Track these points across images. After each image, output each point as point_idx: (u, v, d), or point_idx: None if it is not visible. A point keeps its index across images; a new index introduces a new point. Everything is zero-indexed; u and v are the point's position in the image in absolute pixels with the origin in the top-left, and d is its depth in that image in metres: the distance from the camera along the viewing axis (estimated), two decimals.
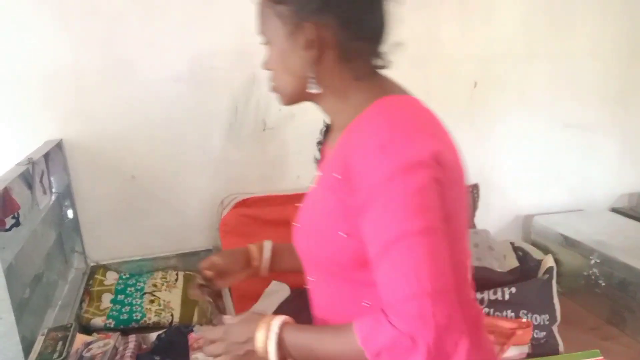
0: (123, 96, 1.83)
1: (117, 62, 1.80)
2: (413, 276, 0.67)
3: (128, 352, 1.30)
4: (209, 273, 1.04)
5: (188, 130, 1.92)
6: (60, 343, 1.25)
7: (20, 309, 1.22)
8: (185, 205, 1.98)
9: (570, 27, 2.26)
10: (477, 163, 2.27)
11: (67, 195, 1.83)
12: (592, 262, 2.03)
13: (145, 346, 1.40)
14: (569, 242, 2.15)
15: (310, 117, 0.99)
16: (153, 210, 1.95)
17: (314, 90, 0.81)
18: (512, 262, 1.94)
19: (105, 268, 1.81)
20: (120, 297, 1.67)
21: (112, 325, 1.55)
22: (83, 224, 1.89)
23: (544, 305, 1.76)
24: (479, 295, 1.73)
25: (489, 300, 1.73)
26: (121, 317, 1.57)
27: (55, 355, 1.20)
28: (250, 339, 0.80)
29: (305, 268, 0.92)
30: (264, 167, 2.04)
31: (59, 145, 1.76)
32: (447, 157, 0.74)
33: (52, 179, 1.70)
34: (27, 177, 1.40)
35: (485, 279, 1.80)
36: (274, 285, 1.76)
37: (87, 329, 1.52)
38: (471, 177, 2.26)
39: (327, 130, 0.93)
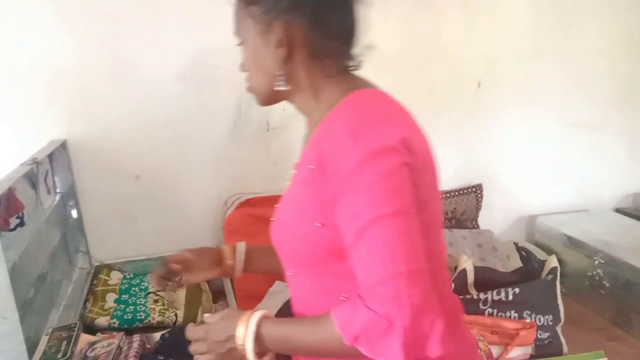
0: (127, 96, 1.84)
1: (120, 61, 1.81)
2: (387, 258, 0.68)
3: (132, 352, 1.30)
4: (176, 267, 1.05)
5: (192, 130, 1.92)
6: (64, 343, 1.25)
7: (25, 308, 1.23)
8: (189, 205, 1.99)
9: (576, 25, 2.25)
10: (481, 163, 2.27)
11: (71, 195, 1.83)
12: (597, 262, 2.02)
13: (149, 346, 1.40)
14: (573, 243, 2.14)
15: None
16: (157, 210, 1.95)
17: (281, 87, 0.83)
18: (516, 263, 1.94)
19: (110, 268, 1.81)
20: (124, 296, 1.68)
21: (116, 325, 1.55)
22: (87, 224, 1.89)
23: (548, 305, 1.76)
24: (482, 296, 1.72)
25: (493, 300, 1.72)
26: (125, 317, 1.58)
27: (60, 355, 1.20)
28: (231, 337, 0.80)
29: (284, 263, 0.92)
30: (268, 167, 2.04)
31: (63, 145, 1.76)
32: (416, 144, 0.76)
33: (56, 178, 1.71)
34: (32, 177, 1.40)
35: (488, 280, 1.80)
36: (278, 285, 1.76)
37: (91, 329, 1.52)
38: (475, 177, 2.29)
39: None
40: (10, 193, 1.21)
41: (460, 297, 1.72)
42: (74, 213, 1.86)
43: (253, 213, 1.89)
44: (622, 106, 2.39)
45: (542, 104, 2.30)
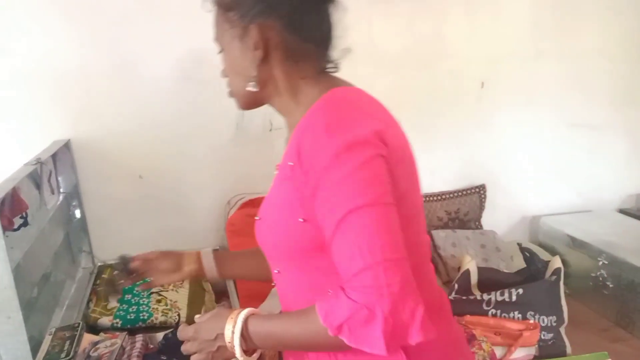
0: (130, 96, 1.84)
1: (124, 62, 1.81)
2: (365, 248, 0.69)
3: (135, 352, 1.30)
4: (135, 265, 1.09)
5: (195, 130, 1.93)
6: (67, 342, 1.25)
7: (28, 308, 1.23)
8: (192, 205, 1.99)
9: (578, 26, 2.25)
10: (484, 163, 2.27)
11: (74, 195, 1.84)
12: (600, 263, 2.01)
13: (152, 346, 1.40)
14: (576, 243, 2.13)
15: None
16: (160, 210, 1.96)
17: (251, 88, 0.86)
18: (520, 263, 1.94)
19: (113, 268, 1.81)
20: (128, 296, 1.67)
21: (119, 325, 1.55)
22: (90, 224, 1.90)
23: (551, 306, 1.76)
24: (486, 297, 1.72)
25: (496, 301, 1.72)
26: (128, 317, 1.58)
27: (63, 355, 1.20)
28: (220, 335, 0.82)
29: (270, 261, 0.93)
30: (271, 167, 2.01)
31: (66, 145, 1.77)
32: (391, 137, 0.76)
33: (60, 178, 1.71)
34: (35, 177, 1.41)
35: (492, 280, 1.80)
36: None
37: (94, 329, 1.52)
38: (478, 178, 2.28)
39: None
40: (14, 193, 1.21)
41: (464, 297, 1.73)
42: (78, 213, 1.86)
43: (256, 213, 1.89)
44: (623, 106, 2.39)
45: (545, 104, 2.29)
